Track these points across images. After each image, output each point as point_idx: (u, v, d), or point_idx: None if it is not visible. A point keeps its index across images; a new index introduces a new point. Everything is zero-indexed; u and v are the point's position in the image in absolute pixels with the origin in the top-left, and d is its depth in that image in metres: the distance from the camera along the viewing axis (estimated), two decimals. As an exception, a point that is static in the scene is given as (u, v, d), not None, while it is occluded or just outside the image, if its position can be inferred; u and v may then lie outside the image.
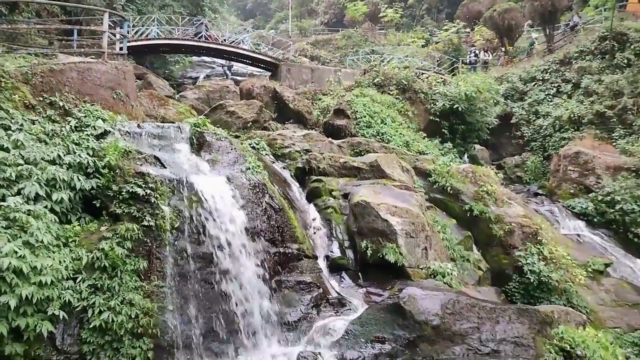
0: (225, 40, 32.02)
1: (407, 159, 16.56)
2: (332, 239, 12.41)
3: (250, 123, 19.78)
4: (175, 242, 8.69)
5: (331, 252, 12.07)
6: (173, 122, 14.63)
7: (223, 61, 35.17)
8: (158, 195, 8.69)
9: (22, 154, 8.26)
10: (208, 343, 8.41)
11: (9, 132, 8.47)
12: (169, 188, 8.94)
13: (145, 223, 8.40)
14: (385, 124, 20.74)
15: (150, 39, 27.18)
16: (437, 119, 22.57)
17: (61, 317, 7.26)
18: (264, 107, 21.47)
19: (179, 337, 8.20)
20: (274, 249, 9.92)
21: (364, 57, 35.23)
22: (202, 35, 29.62)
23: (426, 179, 15.28)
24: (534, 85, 26.21)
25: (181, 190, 9.02)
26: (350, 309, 9.80)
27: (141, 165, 9.13)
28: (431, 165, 15.80)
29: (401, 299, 8.81)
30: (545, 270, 12.41)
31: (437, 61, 34.98)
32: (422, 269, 11.03)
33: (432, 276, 10.97)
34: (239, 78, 35.20)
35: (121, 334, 7.52)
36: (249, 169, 10.63)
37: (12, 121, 8.70)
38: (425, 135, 21.78)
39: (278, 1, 75.13)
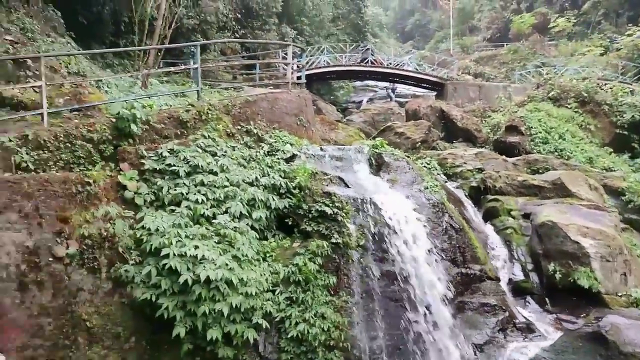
0: (390, 63, 32.61)
1: (592, 176, 15.25)
2: (513, 260, 11.88)
3: (419, 143, 19.86)
4: (361, 260, 8.99)
5: (513, 274, 11.55)
6: (343, 145, 15.26)
7: (386, 84, 35.89)
8: (344, 214, 9.10)
9: (228, 177, 9.24)
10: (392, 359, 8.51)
11: (216, 157, 9.54)
12: (354, 207, 9.31)
13: (334, 240, 8.84)
14: (564, 139, 19.39)
15: (320, 67, 28.74)
16: (625, 132, 20.52)
17: (264, 326, 7.90)
18: (432, 127, 21.41)
19: (366, 352, 8.42)
20: (455, 270, 9.78)
21: (535, 71, 33.33)
22: (368, 60, 30.52)
23: (618, 197, 13.93)
24: None
25: (365, 209, 9.33)
26: (539, 335, 9.26)
27: (327, 185, 9.66)
28: (623, 182, 14.37)
29: (602, 327, 8.11)
30: None
31: (621, 69, 31.81)
32: (620, 296, 10.04)
33: (633, 305, 9.93)
34: (401, 100, 35.54)
35: (315, 345, 7.95)
36: (427, 188, 10.66)
37: (218, 148, 9.79)
38: (611, 150, 19.90)
39: (437, 21, 74.69)
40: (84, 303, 7.72)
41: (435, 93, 31.49)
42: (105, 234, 8.06)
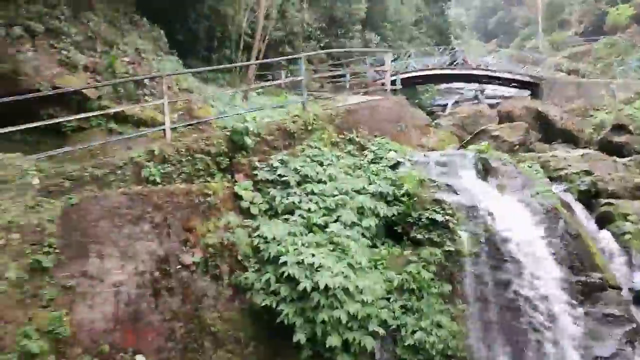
0: (479, 65, 31.83)
1: None
2: (634, 268, 11.14)
3: (517, 146, 19.13)
4: (474, 267, 8.81)
5: (633, 282, 10.84)
6: (435, 149, 15.01)
7: (474, 85, 35.04)
8: (455, 221, 8.97)
9: (336, 186, 9.39)
10: (513, 372, 8.25)
11: (324, 167, 9.73)
12: (464, 214, 9.14)
13: (446, 248, 8.73)
14: (679, 137, 17.99)
15: (408, 72, 28.55)
16: None
17: (380, 334, 7.94)
18: (529, 129, 20.59)
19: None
20: (574, 278, 9.29)
21: (637, 65, 31.25)
22: (457, 62, 29.96)
23: None
24: None
25: (476, 216, 9.14)
26: (671, 350, 8.61)
27: (435, 192, 9.56)
28: None
29: None
30: None
31: None
32: None
33: None
34: (491, 101, 34.54)
35: (433, 354, 7.87)
36: (539, 193, 10.26)
37: (324, 157, 9.97)
38: None
39: (523, 18, 71.89)
40: (209, 309, 8.11)
41: (528, 93, 30.28)
42: (226, 242, 8.44)
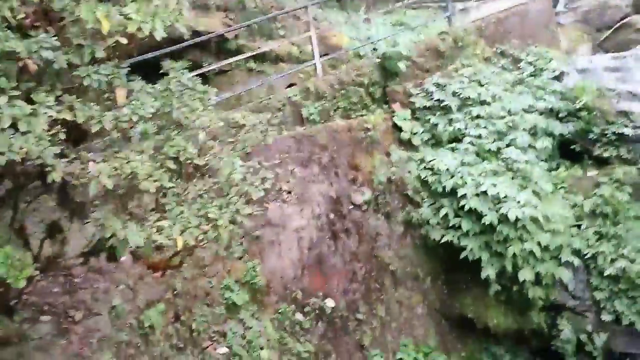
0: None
1: None
2: None
3: (669, 38, 16.81)
4: (675, 184, 7.80)
5: None
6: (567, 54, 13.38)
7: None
8: (649, 134, 7.89)
9: (503, 106, 8.53)
10: None
11: (484, 86, 8.84)
12: (659, 125, 8.01)
13: (640, 165, 7.75)
14: None
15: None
16: None
17: (575, 264, 7.32)
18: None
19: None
20: None
21: None
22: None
23: None
24: None
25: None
26: None
27: (617, 102, 8.43)
28: None
29: None
30: None
31: None
32: None
33: None
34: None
35: (637, 282, 7.16)
36: None
37: (482, 76, 9.05)
38: None
39: None
40: (384, 247, 7.87)
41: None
42: (393, 177, 8.03)
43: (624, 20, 18.84)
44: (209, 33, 8.42)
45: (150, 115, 3.15)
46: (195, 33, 9.04)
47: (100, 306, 4.31)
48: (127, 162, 2.85)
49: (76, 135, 3.24)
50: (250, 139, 4.05)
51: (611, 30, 19.18)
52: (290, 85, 8.76)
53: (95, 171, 2.77)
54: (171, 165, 3.18)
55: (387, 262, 7.79)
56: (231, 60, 8.37)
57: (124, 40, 3.04)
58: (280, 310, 6.59)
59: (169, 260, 4.33)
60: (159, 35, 3.09)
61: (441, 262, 8.11)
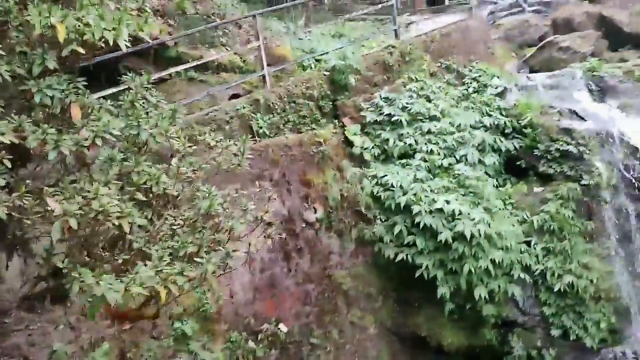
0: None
1: None
2: None
3: (589, 57, 17.81)
4: (612, 200, 8.08)
5: None
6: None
7: (515, -7, 32.67)
8: (589, 151, 8.13)
9: (451, 122, 8.54)
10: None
11: (432, 102, 8.81)
12: (598, 142, 8.29)
13: (584, 182, 7.96)
14: None
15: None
16: None
17: (527, 281, 7.38)
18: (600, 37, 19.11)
19: (633, 300, 7.68)
20: None
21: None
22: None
23: None
24: None
25: (610, 142, 8.29)
26: None
27: (559, 120, 8.67)
28: None
29: None
30: None
31: None
32: None
33: None
34: (540, 8, 32.42)
35: (585, 297, 7.32)
36: (666, 111, 9.29)
37: (429, 91, 9.04)
38: None
39: None
40: (337, 266, 7.60)
41: (583, -3, 28.07)
42: (345, 194, 7.79)
43: (548, 39, 19.76)
44: (154, 39, 7.81)
45: (115, 139, 2.68)
46: (134, 39, 8.40)
47: (37, 352, 3.72)
48: (93, 198, 2.37)
49: (17, 158, 2.71)
50: (224, 163, 3.61)
51: (536, 48, 20.08)
52: (234, 97, 8.33)
53: (59, 210, 2.28)
54: (141, 196, 2.72)
55: (340, 282, 7.51)
56: (172, 70, 7.83)
57: (81, 50, 2.56)
58: (232, 339, 6.14)
59: (141, 310, 3.73)
60: (123, 43, 2.65)
61: (394, 280, 7.93)
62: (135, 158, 2.79)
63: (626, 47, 20.33)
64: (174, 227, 3.05)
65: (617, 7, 22.15)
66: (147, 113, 3.00)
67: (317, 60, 9.44)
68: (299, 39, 11.26)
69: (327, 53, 9.07)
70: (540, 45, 19.98)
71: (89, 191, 2.39)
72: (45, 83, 2.55)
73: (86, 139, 2.53)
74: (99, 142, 2.56)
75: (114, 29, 2.55)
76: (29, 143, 2.39)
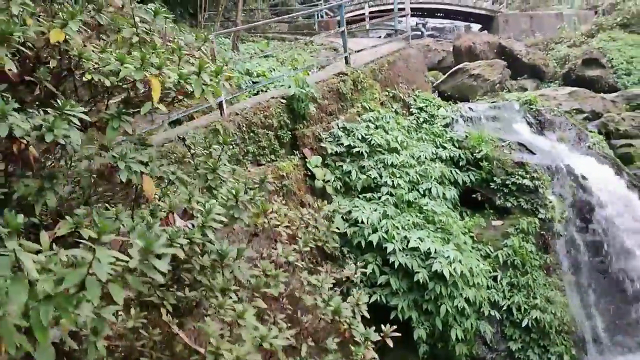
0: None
1: None
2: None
3: (498, 85, 18.84)
4: (565, 232, 8.33)
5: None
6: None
7: (415, 19, 34.15)
8: (543, 185, 8.34)
9: (412, 155, 8.37)
10: (612, 336, 8.04)
11: (388, 133, 8.60)
12: (549, 176, 8.54)
13: (541, 216, 8.12)
14: (649, 68, 18.51)
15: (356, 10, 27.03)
16: None
17: (497, 317, 7.32)
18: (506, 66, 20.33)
19: (587, 331, 7.92)
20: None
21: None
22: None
23: None
24: None
25: (559, 176, 8.59)
26: None
27: (510, 153, 8.84)
28: None
29: None
30: None
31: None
32: None
33: None
34: (435, 34, 34.11)
35: (550, 331, 7.40)
36: (595, 144, 9.89)
37: (384, 121, 8.83)
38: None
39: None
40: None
41: (480, 26, 29.97)
42: (313, 231, 7.26)
43: (459, 66, 20.67)
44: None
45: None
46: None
47: None
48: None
49: None
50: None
51: (447, 75, 20.91)
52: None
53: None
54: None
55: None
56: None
57: None
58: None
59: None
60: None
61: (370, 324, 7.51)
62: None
63: (524, 76, 21.90)
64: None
65: (512, 39, 23.89)
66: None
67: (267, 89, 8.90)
68: (238, 60, 10.59)
69: (280, 77, 8.56)
70: (451, 71, 20.86)
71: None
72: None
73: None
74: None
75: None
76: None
